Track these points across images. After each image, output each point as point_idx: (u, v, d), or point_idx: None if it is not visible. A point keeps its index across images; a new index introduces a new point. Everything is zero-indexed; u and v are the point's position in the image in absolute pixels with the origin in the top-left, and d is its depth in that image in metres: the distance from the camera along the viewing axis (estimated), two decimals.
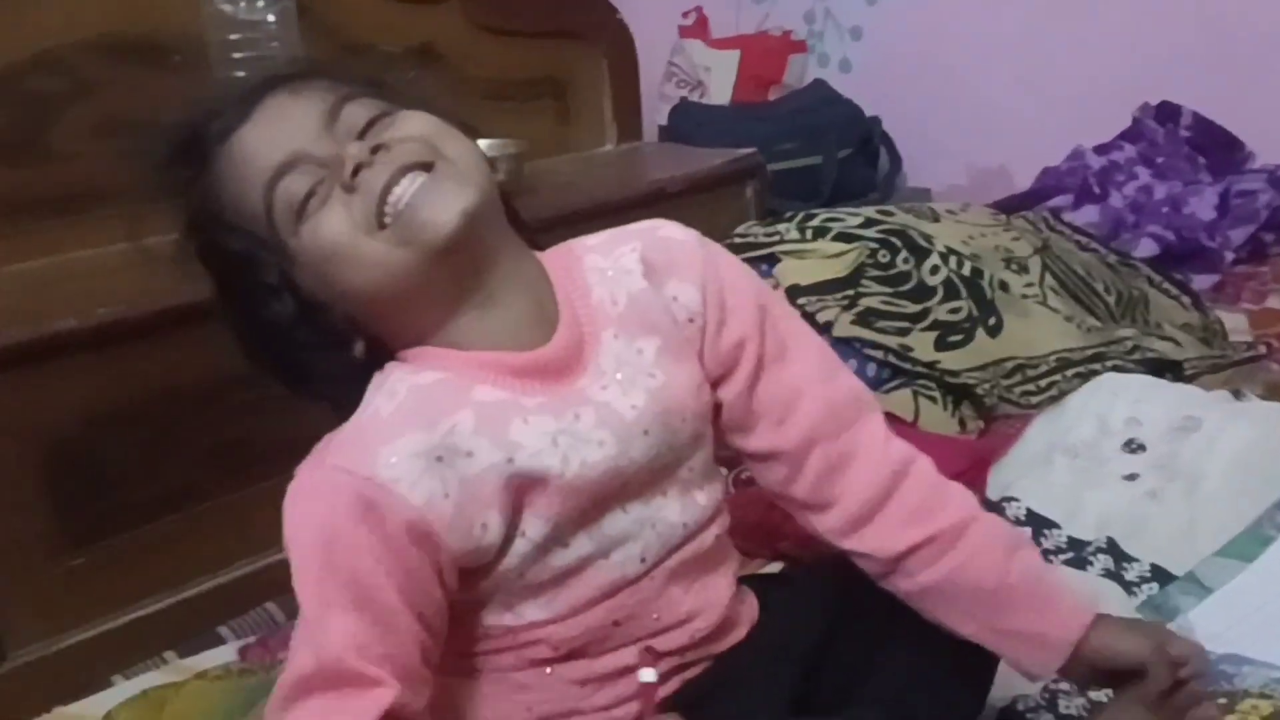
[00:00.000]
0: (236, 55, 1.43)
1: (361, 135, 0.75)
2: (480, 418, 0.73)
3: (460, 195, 0.73)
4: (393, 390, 0.74)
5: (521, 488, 0.74)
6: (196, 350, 1.24)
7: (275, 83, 0.79)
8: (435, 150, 0.74)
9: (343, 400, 0.77)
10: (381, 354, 0.79)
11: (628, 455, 0.76)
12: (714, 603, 0.83)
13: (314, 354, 0.80)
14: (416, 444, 0.71)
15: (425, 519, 0.70)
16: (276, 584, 1.27)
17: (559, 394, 0.76)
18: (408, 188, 0.73)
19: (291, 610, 1.23)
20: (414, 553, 0.70)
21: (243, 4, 1.43)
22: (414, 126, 0.76)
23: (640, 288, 0.80)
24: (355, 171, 0.73)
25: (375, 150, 0.74)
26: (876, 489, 0.81)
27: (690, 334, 0.81)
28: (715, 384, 0.82)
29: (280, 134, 0.76)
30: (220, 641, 1.21)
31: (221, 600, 1.25)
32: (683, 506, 0.80)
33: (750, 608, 0.87)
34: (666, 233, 0.84)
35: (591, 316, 0.79)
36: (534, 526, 0.75)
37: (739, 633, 0.85)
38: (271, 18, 1.44)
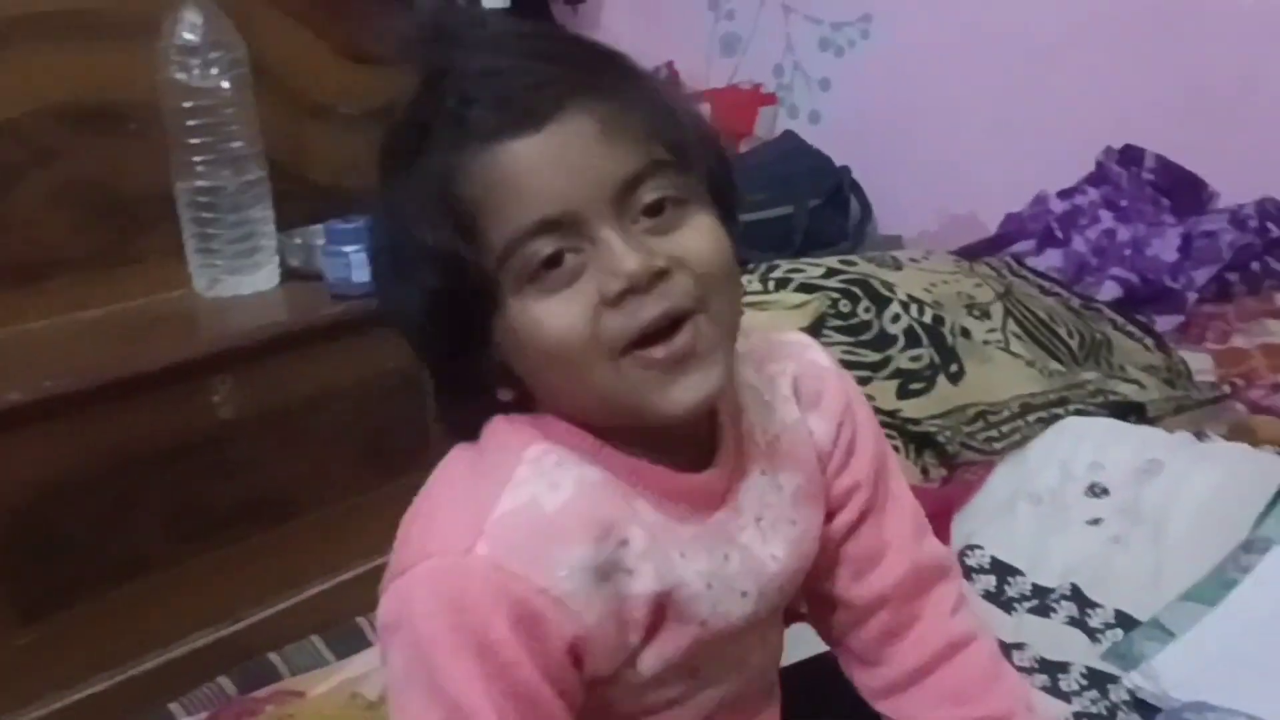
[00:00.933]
0: (191, 122, 1.44)
1: (649, 213, 0.65)
2: (650, 539, 0.67)
3: (706, 382, 0.65)
4: (555, 481, 0.66)
5: (661, 622, 0.69)
6: (148, 418, 1.25)
7: (589, 83, 0.65)
8: (705, 296, 0.65)
9: (454, 414, 0.70)
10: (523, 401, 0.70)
11: (760, 611, 0.73)
12: None
13: (443, 352, 0.69)
14: (588, 557, 0.65)
15: (592, 637, 0.65)
16: (228, 656, 1.27)
17: (707, 527, 0.71)
18: (658, 351, 0.64)
19: (244, 682, 1.24)
20: (571, 669, 0.65)
21: (196, 71, 1.44)
22: (701, 254, 0.65)
23: (794, 419, 0.76)
24: (625, 292, 0.63)
25: (656, 277, 0.64)
26: (924, 661, 0.78)
27: (819, 472, 0.77)
28: None
29: (567, 182, 0.63)
30: (171, 718, 1.18)
31: (172, 676, 1.23)
32: (763, 649, 0.77)
33: None
34: (814, 357, 0.79)
35: (742, 443, 0.73)
36: (649, 662, 0.69)
37: None
38: (226, 84, 1.45)
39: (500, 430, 0.69)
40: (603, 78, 0.66)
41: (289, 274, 1.53)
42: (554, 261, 0.64)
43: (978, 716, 0.78)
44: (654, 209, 0.65)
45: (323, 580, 1.34)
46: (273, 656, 1.26)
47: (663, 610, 0.68)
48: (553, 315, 0.64)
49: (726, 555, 0.71)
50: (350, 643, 1.28)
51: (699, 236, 0.66)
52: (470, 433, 0.70)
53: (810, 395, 0.77)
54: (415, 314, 0.67)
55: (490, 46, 0.66)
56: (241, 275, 1.47)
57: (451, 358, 0.68)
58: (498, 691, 0.62)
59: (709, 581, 0.70)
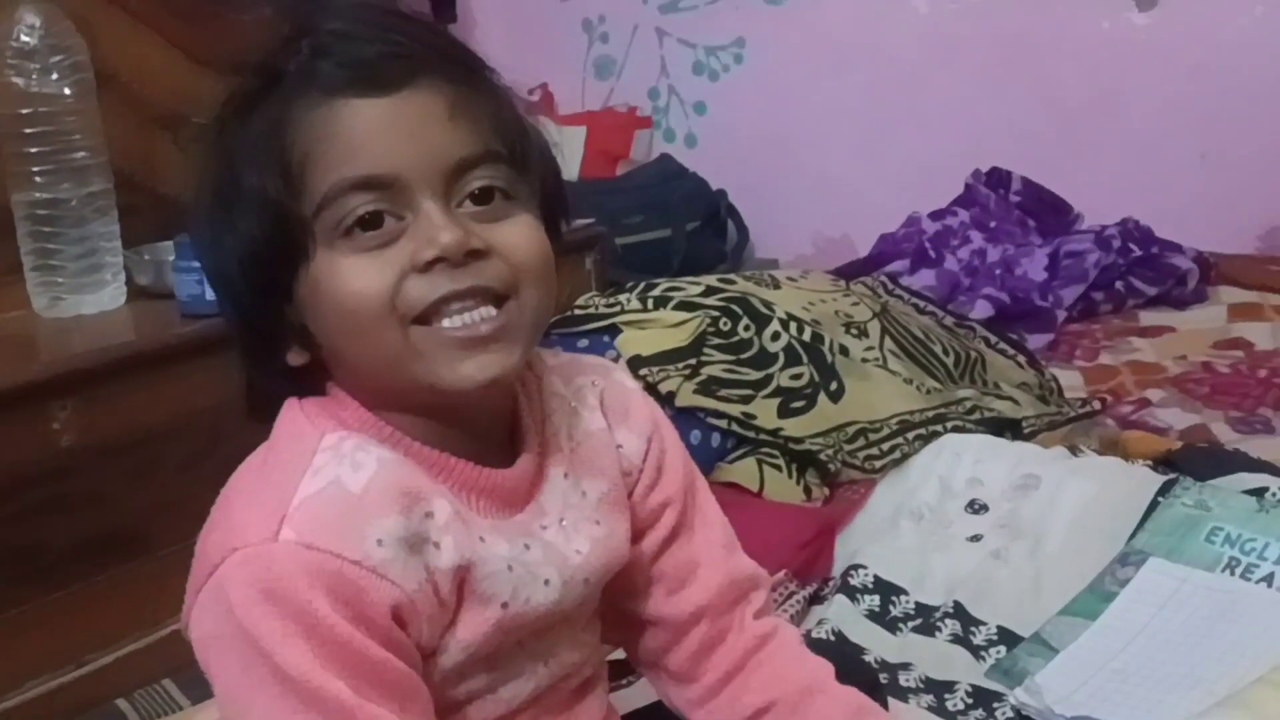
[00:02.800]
0: (29, 130, 1.35)
1: (476, 200, 0.67)
2: (453, 513, 0.68)
3: (498, 363, 0.67)
4: (356, 462, 0.66)
5: (463, 604, 0.69)
6: None
7: (441, 66, 0.67)
8: (518, 285, 0.67)
9: (254, 384, 0.71)
10: (314, 379, 0.70)
11: (565, 601, 0.73)
12: None
13: (246, 304, 0.69)
14: (398, 527, 0.65)
15: (413, 603, 0.65)
16: (72, 704, 1.17)
17: (509, 523, 0.72)
18: (456, 324, 0.66)
19: None
20: (400, 633, 0.65)
21: (34, 76, 1.35)
22: (518, 245, 0.68)
23: (599, 427, 0.78)
24: (436, 260, 0.65)
25: (470, 254, 0.66)
26: (735, 663, 0.81)
27: (627, 486, 0.79)
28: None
29: (403, 148, 0.65)
30: None
31: None
32: (573, 644, 0.77)
33: None
34: (620, 378, 0.82)
35: (547, 447, 0.75)
36: (451, 652, 0.69)
37: None
38: (68, 90, 1.37)
39: (293, 419, 0.70)
40: (457, 64, 0.69)
41: (137, 292, 1.44)
42: (372, 223, 0.65)
43: (788, 692, 0.80)
44: (482, 197, 0.67)
45: (175, 620, 1.23)
46: (121, 703, 1.18)
47: (463, 587, 0.68)
48: (357, 272, 0.65)
49: (527, 545, 0.72)
50: (206, 686, 1.18)
51: (519, 231, 0.68)
52: (268, 410, 0.71)
53: (617, 410, 0.79)
54: (228, 261, 0.68)
55: (353, 15, 0.68)
56: (84, 294, 1.39)
57: (255, 311, 0.69)
58: (338, 665, 0.62)
59: (509, 564, 0.70)
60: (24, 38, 1.35)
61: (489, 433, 0.72)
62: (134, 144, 1.49)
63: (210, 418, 1.28)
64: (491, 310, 0.66)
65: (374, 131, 0.65)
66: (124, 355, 1.27)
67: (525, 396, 0.75)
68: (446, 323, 0.66)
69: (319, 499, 0.65)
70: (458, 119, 0.66)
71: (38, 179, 1.36)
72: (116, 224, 1.42)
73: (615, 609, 0.82)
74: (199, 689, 1.20)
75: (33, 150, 1.36)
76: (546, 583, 0.72)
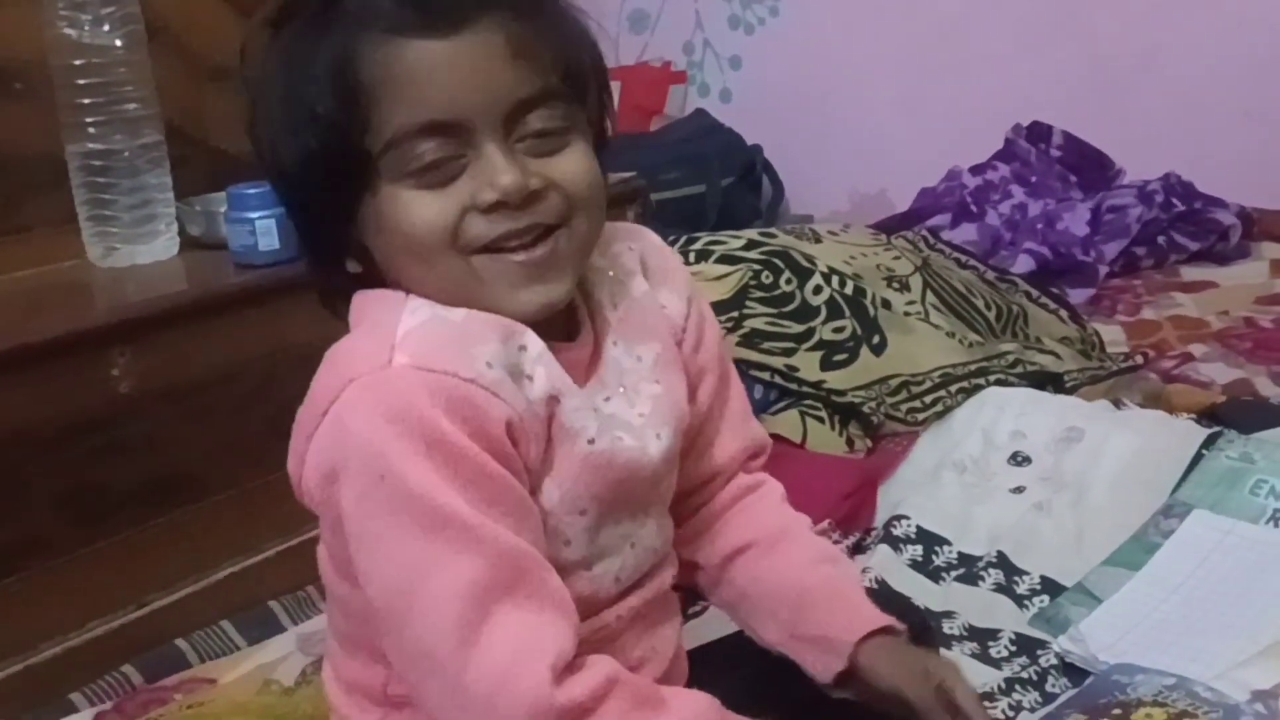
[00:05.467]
0: (82, 81, 1.36)
1: (532, 135, 0.69)
2: (543, 347, 0.71)
3: (552, 292, 0.70)
4: (449, 308, 0.69)
5: (553, 442, 0.71)
6: (41, 393, 1.17)
7: (503, 6, 0.68)
8: (570, 214, 0.70)
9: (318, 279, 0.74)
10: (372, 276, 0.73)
11: (647, 453, 0.76)
12: (661, 653, 0.82)
13: (304, 211, 0.72)
14: (500, 353, 0.68)
15: (522, 422, 0.68)
16: (133, 644, 1.20)
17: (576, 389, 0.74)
18: (516, 258, 0.69)
19: (150, 670, 1.18)
20: (514, 453, 0.68)
21: (87, 28, 1.35)
22: (574, 176, 0.70)
23: (643, 290, 0.79)
24: (498, 204, 0.68)
25: (530, 196, 0.68)
26: (722, 507, 0.86)
27: (676, 342, 0.81)
28: None
29: (465, 91, 0.66)
30: (73, 709, 1.12)
31: (74, 665, 1.15)
32: (658, 529, 0.80)
33: (682, 669, 0.86)
34: (655, 240, 0.83)
35: (594, 320, 0.77)
36: (548, 491, 0.72)
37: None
38: (119, 42, 1.37)
39: (369, 297, 0.72)
40: (520, 10, 0.69)
41: (189, 243, 1.46)
42: (436, 168, 0.68)
43: (765, 534, 0.84)
44: (538, 134, 0.69)
45: (232, 562, 1.28)
46: (180, 643, 1.20)
47: (552, 423, 0.71)
48: (421, 208, 0.68)
49: (596, 409, 0.74)
50: (263, 627, 1.22)
51: (574, 163, 0.70)
52: (333, 299, 0.74)
53: (658, 272, 0.81)
54: (292, 167, 0.70)
55: None
56: (138, 244, 1.39)
57: (315, 219, 0.72)
58: (460, 481, 0.65)
59: (595, 407, 0.73)
60: None
61: (551, 316, 0.74)
62: (184, 96, 1.50)
63: (262, 365, 1.30)
64: (549, 244, 0.69)
65: (438, 73, 0.66)
66: (180, 304, 1.28)
67: None
68: (506, 254, 0.69)
69: (424, 328, 0.68)
70: (519, 59, 0.68)
71: (91, 130, 1.37)
72: (169, 175, 1.42)
73: None
74: (256, 630, 1.23)
75: (85, 101, 1.36)
76: (622, 437, 0.74)
